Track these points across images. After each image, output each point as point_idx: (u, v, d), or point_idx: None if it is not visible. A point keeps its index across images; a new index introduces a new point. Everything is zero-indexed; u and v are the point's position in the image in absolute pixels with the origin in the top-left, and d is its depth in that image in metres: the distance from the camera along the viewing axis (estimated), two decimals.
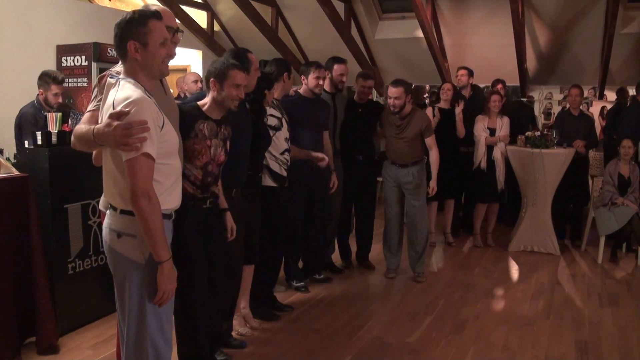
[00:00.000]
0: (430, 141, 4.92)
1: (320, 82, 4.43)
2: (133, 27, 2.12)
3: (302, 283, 4.65)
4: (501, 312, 4.33)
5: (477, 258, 5.77)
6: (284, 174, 3.94)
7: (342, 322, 4.05)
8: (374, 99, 6.50)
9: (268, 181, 3.86)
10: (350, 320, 4.10)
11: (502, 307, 4.42)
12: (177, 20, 8.84)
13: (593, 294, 4.75)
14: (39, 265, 3.38)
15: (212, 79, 2.89)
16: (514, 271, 5.35)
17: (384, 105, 5.23)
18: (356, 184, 5.02)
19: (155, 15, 2.18)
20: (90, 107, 2.55)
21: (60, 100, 5.03)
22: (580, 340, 3.81)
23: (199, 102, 2.96)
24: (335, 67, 4.77)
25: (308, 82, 4.42)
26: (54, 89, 4.92)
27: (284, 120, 3.94)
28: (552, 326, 4.05)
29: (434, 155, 4.94)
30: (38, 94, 4.99)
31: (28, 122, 4.82)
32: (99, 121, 2.21)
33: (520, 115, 6.63)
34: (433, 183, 4.92)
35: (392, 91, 4.72)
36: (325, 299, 4.54)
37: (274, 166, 3.88)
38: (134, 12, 2.17)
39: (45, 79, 4.93)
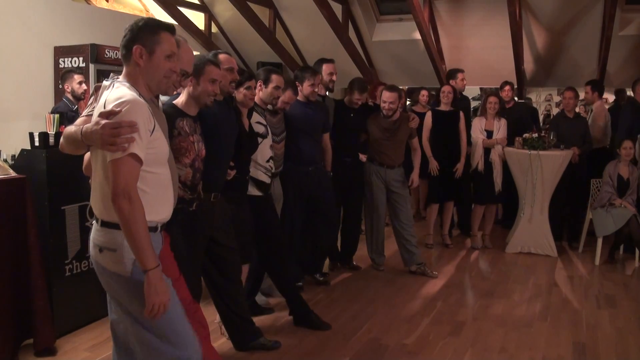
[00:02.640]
0: (415, 143, 5.28)
1: (315, 89, 4.42)
2: (143, 32, 2.11)
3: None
4: (499, 313, 4.33)
5: (474, 260, 5.77)
6: (268, 181, 3.93)
7: (339, 324, 4.05)
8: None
9: (253, 190, 3.82)
10: (348, 322, 4.10)
11: (500, 309, 4.42)
12: (174, 22, 8.85)
13: (590, 296, 4.75)
14: (36, 267, 3.38)
15: None
16: (512, 273, 5.35)
17: (373, 107, 5.33)
18: (344, 186, 5.01)
19: (169, 28, 2.17)
20: (85, 112, 2.53)
21: (85, 87, 5.44)
22: (578, 342, 3.82)
23: (174, 101, 2.97)
24: (324, 67, 4.73)
25: (303, 89, 4.40)
26: (77, 77, 5.36)
27: (269, 128, 3.95)
28: (550, 328, 4.05)
29: (417, 155, 5.33)
30: (65, 92, 5.44)
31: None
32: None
33: (526, 117, 6.64)
34: (415, 176, 5.28)
35: (388, 96, 4.93)
36: (323, 300, 4.54)
37: (259, 175, 3.84)
38: (150, 19, 2.17)
39: (67, 74, 5.45)
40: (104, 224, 2.11)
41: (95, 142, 2.02)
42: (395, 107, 4.96)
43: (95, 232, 2.16)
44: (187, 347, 2.19)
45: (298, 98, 4.43)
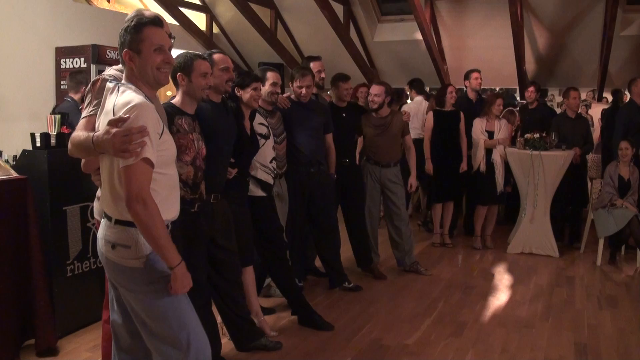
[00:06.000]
0: (409, 140, 5.25)
1: (303, 90, 4.33)
2: (128, 34, 2.11)
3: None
4: (500, 314, 4.32)
5: (476, 260, 5.77)
6: (271, 182, 3.92)
7: (341, 324, 4.05)
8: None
9: (257, 191, 3.81)
10: (349, 322, 4.10)
11: (501, 309, 4.41)
12: (176, 22, 8.86)
13: (592, 296, 4.75)
14: (37, 267, 3.39)
15: (178, 74, 2.89)
16: (513, 273, 5.34)
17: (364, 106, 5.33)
18: (344, 188, 4.95)
19: (153, 21, 2.14)
20: (85, 113, 2.51)
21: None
22: (579, 343, 3.81)
23: (172, 101, 2.99)
24: (312, 65, 4.70)
25: (294, 90, 4.39)
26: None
27: (271, 130, 3.95)
28: (551, 328, 4.05)
29: (412, 154, 5.26)
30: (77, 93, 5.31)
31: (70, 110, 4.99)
32: (96, 126, 2.19)
33: (548, 118, 6.56)
34: (413, 180, 5.25)
35: (374, 88, 5.01)
36: (324, 301, 4.54)
37: (262, 175, 3.83)
38: (132, 19, 2.15)
39: (78, 78, 5.34)
40: (119, 222, 2.14)
41: (107, 150, 2.04)
42: (379, 101, 4.95)
43: (107, 229, 2.18)
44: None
45: (293, 98, 4.43)
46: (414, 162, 5.28)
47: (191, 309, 2.24)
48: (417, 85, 7.29)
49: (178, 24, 9.05)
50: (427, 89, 8.04)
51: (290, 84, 4.41)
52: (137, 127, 1.99)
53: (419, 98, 7.11)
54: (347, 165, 4.94)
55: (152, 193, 2.07)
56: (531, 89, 6.73)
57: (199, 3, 9.55)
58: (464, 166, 5.97)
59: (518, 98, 9.73)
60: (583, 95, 7.45)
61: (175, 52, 2.60)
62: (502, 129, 5.95)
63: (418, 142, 5.90)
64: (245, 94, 3.53)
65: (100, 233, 2.22)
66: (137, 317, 2.21)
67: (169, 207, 2.24)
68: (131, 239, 2.11)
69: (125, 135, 1.97)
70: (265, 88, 3.91)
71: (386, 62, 9.88)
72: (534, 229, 5.86)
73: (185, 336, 2.17)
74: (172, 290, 2.12)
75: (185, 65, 2.88)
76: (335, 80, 4.96)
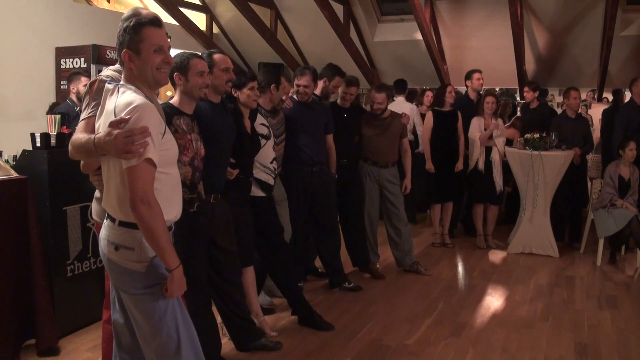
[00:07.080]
0: (406, 143, 5.28)
1: (300, 89, 4.36)
2: (127, 35, 2.11)
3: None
4: (500, 314, 4.33)
5: (476, 260, 5.77)
6: (272, 182, 3.93)
7: (341, 324, 4.05)
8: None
9: (257, 191, 3.82)
10: (349, 322, 4.10)
11: (501, 310, 4.42)
12: (175, 22, 8.85)
13: (592, 296, 4.75)
14: (38, 267, 3.39)
15: (175, 74, 2.89)
16: (513, 273, 5.34)
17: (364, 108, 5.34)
18: (342, 188, 4.93)
19: (152, 22, 2.14)
20: (84, 115, 2.49)
21: None
22: (579, 343, 3.81)
23: (170, 101, 2.99)
24: (337, 78, 4.74)
25: (295, 89, 4.42)
26: (84, 80, 5.33)
27: (271, 130, 3.96)
28: (551, 328, 4.05)
29: (408, 157, 5.30)
30: (70, 93, 5.44)
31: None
32: (96, 127, 2.18)
33: (548, 118, 6.54)
34: (407, 182, 5.25)
35: (377, 97, 5.03)
36: (324, 301, 4.54)
37: (262, 175, 3.84)
38: (130, 19, 2.14)
39: (74, 75, 5.45)
40: (122, 224, 2.14)
41: (109, 152, 2.03)
42: (384, 107, 5.02)
43: (110, 231, 2.18)
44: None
45: (296, 97, 4.42)
46: (410, 165, 5.29)
47: (186, 313, 2.25)
48: (398, 86, 7.45)
49: (178, 24, 9.05)
50: (428, 88, 8.05)
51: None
52: (139, 127, 1.99)
53: (400, 98, 7.29)
54: (345, 165, 4.94)
55: (154, 192, 2.07)
56: (525, 88, 6.75)
57: (199, 3, 9.56)
58: (459, 165, 5.96)
59: (518, 98, 9.74)
60: (583, 95, 7.44)
61: (174, 52, 2.61)
62: (499, 127, 5.96)
63: None
64: (242, 95, 3.53)
65: (103, 234, 2.22)
66: (134, 319, 2.22)
67: (171, 207, 2.24)
68: (135, 241, 2.11)
69: (127, 136, 1.97)
70: (280, 92, 4.01)
71: (386, 62, 9.88)
72: (534, 229, 5.86)
73: (179, 340, 2.17)
74: (168, 292, 2.12)
75: (182, 65, 2.88)
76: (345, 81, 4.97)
